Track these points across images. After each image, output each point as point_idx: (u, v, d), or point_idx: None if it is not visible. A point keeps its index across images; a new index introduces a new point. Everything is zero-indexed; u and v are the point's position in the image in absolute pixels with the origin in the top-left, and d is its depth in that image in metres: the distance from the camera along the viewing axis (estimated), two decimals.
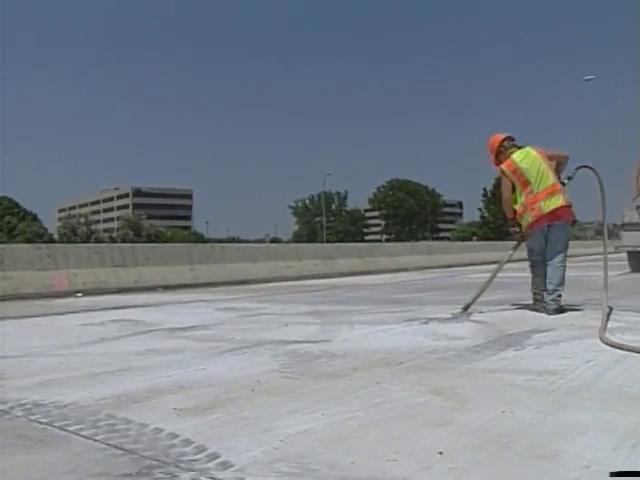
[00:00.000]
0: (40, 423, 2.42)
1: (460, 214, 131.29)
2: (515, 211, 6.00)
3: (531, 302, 6.05)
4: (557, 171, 5.97)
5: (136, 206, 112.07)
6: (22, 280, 9.26)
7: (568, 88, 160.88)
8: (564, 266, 5.84)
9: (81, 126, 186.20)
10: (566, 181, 5.96)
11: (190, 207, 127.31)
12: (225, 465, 1.91)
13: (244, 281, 12.30)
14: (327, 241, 75.94)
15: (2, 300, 8.51)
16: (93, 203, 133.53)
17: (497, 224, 78.28)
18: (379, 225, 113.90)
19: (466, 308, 5.95)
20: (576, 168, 6.05)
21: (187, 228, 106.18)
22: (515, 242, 6.32)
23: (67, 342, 4.62)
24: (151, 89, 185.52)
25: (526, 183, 5.81)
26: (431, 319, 5.49)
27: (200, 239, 76.49)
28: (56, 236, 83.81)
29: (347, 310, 6.47)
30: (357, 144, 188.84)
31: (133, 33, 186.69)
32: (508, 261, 6.27)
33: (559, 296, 5.72)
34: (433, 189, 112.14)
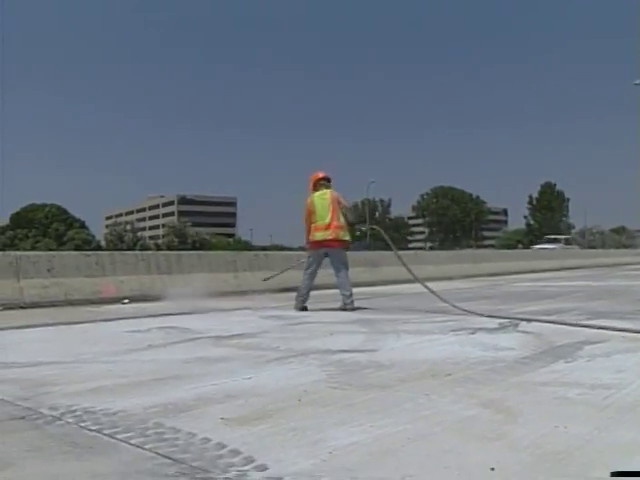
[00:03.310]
0: (90, 430, 2.45)
1: (505, 222, 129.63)
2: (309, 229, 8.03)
3: (340, 304, 7.78)
4: (344, 214, 8.07)
5: (181, 213, 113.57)
6: (71, 286, 9.44)
7: (611, 93, 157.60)
8: (348, 277, 7.92)
9: (129, 135, 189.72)
10: (364, 228, 7.92)
11: (234, 215, 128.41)
12: (274, 477, 1.90)
13: (288, 288, 12.31)
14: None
15: (53, 306, 8.71)
16: (139, 210, 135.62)
17: (542, 232, 77.00)
18: (423, 233, 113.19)
19: (266, 280, 10.46)
20: (369, 226, 8.52)
21: (231, 235, 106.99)
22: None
23: (115, 349, 4.68)
24: (197, 100, 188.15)
25: (314, 215, 7.96)
26: (478, 329, 5.41)
27: (245, 247, 76.95)
28: (103, 243, 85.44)
29: (393, 319, 6.42)
30: (401, 151, 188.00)
31: (175, 46, 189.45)
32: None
33: (353, 298, 7.76)
34: (478, 196, 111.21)
